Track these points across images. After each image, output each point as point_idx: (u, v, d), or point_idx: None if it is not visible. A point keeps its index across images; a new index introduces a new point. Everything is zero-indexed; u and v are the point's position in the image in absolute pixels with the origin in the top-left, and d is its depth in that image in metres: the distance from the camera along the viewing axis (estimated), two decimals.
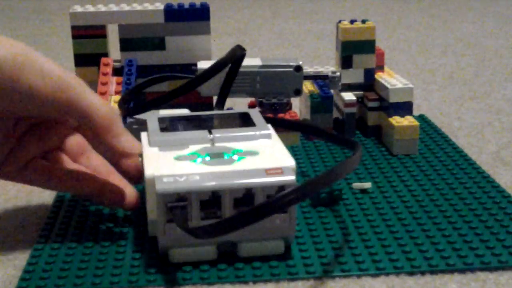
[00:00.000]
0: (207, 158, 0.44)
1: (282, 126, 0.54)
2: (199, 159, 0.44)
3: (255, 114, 0.51)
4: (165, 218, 0.41)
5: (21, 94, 0.40)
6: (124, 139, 0.43)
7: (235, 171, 0.42)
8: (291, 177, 0.42)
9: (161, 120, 0.50)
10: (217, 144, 0.46)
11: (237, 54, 0.55)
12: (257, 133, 0.47)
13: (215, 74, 0.55)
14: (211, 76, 0.55)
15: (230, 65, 0.57)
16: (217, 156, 0.44)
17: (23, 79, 0.40)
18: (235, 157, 0.44)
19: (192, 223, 0.41)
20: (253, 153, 0.45)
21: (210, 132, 0.47)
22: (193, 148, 0.45)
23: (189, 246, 0.42)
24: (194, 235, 0.39)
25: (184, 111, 0.54)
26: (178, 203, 0.41)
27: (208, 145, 0.46)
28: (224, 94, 0.58)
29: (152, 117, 0.50)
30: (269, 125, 0.49)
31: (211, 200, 0.41)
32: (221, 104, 0.58)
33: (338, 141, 0.51)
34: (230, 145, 0.46)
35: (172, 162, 0.43)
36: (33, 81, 0.40)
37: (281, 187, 0.42)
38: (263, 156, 0.44)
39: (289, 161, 0.43)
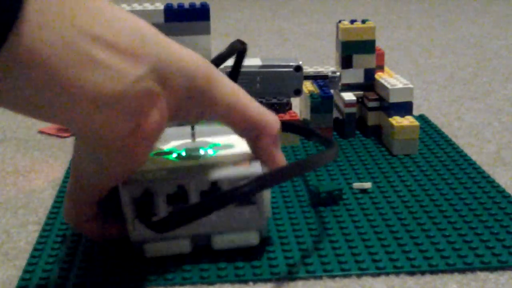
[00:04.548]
0: (183, 153, 0.44)
1: None
2: (175, 155, 0.44)
3: None
4: (132, 213, 0.41)
5: (208, 105, 0.40)
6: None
7: (203, 164, 0.42)
8: (257, 169, 0.42)
9: None
10: (198, 139, 0.46)
11: (238, 48, 0.55)
12: None
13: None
14: None
15: (234, 60, 0.57)
16: (193, 151, 0.44)
17: (213, 90, 0.39)
18: (210, 151, 0.44)
19: (162, 217, 0.41)
20: (228, 146, 0.45)
21: (193, 128, 0.47)
22: (174, 143, 0.46)
23: (163, 240, 0.42)
24: (155, 229, 0.39)
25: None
26: (144, 198, 0.41)
27: (189, 140, 0.46)
28: None
29: None
30: None
31: (179, 194, 0.41)
32: None
33: (315, 138, 0.51)
34: (210, 139, 0.46)
35: (149, 158, 0.43)
36: (219, 93, 0.40)
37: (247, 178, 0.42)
38: (236, 150, 0.44)
39: None
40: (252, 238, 0.43)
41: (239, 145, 0.45)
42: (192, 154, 0.44)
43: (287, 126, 0.54)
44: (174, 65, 0.37)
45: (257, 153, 0.43)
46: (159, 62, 0.37)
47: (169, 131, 0.47)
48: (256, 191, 0.38)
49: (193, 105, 0.39)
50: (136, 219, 0.41)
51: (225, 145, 0.45)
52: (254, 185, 0.38)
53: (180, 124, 0.49)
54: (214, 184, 0.41)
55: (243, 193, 0.37)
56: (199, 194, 0.41)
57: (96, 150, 0.38)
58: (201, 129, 0.47)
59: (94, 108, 0.35)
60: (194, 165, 0.42)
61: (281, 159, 0.43)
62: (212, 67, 0.40)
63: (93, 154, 0.38)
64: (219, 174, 0.41)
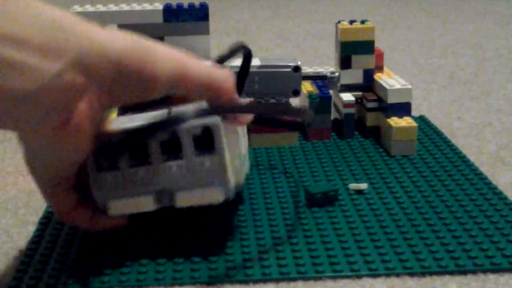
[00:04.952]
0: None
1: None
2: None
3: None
4: (94, 166, 0.42)
5: (147, 83, 0.40)
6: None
7: (162, 116, 0.42)
8: (216, 118, 0.41)
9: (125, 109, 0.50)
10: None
11: (239, 50, 0.55)
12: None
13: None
14: None
15: (241, 64, 0.57)
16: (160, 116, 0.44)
17: (147, 67, 0.39)
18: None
19: (124, 171, 0.42)
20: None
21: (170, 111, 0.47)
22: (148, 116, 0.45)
23: (126, 197, 0.42)
24: (97, 166, 0.39)
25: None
26: (106, 151, 0.41)
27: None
28: (238, 92, 0.58)
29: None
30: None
31: (140, 147, 0.41)
32: None
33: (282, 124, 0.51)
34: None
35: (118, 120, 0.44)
36: (157, 67, 0.40)
37: (205, 127, 0.42)
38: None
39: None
40: (216, 194, 0.42)
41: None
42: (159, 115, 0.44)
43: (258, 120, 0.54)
44: (96, 53, 0.37)
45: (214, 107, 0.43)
46: (80, 53, 0.37)
47: (147, 112, 0.46)
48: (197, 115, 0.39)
49: (131, 86, 0.39)
50: (100, 172, 0.42)
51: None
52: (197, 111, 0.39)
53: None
54: (174, 135, 0.41)
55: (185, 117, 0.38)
56: (159, 146, 0.42)
57: (35, 144, 0.39)
58: (175, 108, 0.47)
59: (13, 107, 0.35)
60: (155, 117, 0.42)
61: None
62: (143, 44, 0.39)
63: (38, 148, 0.39)
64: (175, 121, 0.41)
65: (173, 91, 0.41)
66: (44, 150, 0.39)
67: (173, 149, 0.42)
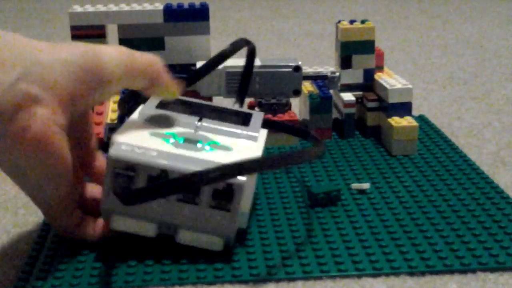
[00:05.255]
0: (180, 141, 0.44)
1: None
2: (172, 140, 0.44)
3: (257, 117, 0.51)
4: (110, 183, 0.42)
5: (104, 80, 0.42)
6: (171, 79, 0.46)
7: (192, 157, 0.42)
8: (241, 178, 0.41)
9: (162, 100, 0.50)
10: (200, 132, 0.46)
11: (242, 46, 0.55)
12: (244, 132, 0.47)
13: (217, 66, 0.54)
14: (211, 69, 0.54)
15: (245, 61, 0.57)
16: (191, 142, 0.44)
17: (100, 66, 0.42)
18: (207, 147, 0.44)
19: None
20: (226, 148, 0.45)
21: (200, 120, 0.47)
22: (176, 130, 0.46)
23: (131, 217, 0.43)
24: (120, 198, 0.39)
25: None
26: (126, 171, 0.41)
27: (192, 131, 0.46)
28: (243, 90, 0.58)
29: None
30: (263, 130, 0.49)
31: (159, 178, 0.41)
32: (240, 101, 0.57)
33: (302, 135, 0.51)
34: (211, 136, 0.46)
35: (144, 135, 0.44)
36: (108, 64, 0.42)
37: (228, 185, 0.42)
38: (234, 154, 0.44)
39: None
40: (216, 244, 0.43)
41: (238, 150, 0.45)
42: (188, 144, 0.44)
43: (277, 126, 0.54)
44: (46, 63, 0.40)
45: (152, 90, 0.45)
46: (30, 65, 0.39)
47: (174, 115, 0.47)
48: (224, 178, 0.38)
49: (91, 87, 0.41)
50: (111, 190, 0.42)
51: (224, 146, 0.45)
52: (223, 171, 0.38)
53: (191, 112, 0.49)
54: None
55: (210, 178, 0.38)
56: None
57: (10, 167, 0.40)
58: (208, 124, 0.47)
59: None
60: (184, 155, 0.42)
61: (174, 85, 0.45)
62: (90, 47, 0.42)
63: (16, 170, 0.41)
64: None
65: (126, 84, 0.43)
66: (23, 170, 0.40)
67: (190, 189, 0.42)
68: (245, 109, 0.54)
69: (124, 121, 0.55)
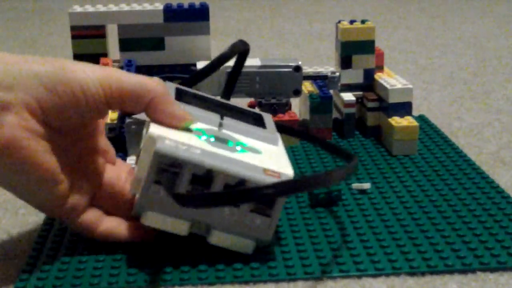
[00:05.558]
0: (212, 139, 0.44)
1: (284, 133, 0.54)
2: (204, 137, 0.44)
3: (268, 118, 0.51)
4: (154, 178, 0.41)
5: (75, 92, 0.41)
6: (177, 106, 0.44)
7: (236, 159, 0.42)
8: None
9: (181, 91, 0.49)
10: (223, 131, 0.46)
11: (241, 48, 0.55)
12: (264, 135, 0.47)
13: (217, 69, 0.54)
14: (212, 71, 0.54)
15: (235, 61, 0.56)
16: (221, 141, 0.44)
17: (68, 77, 0.41)
18: (238, 148, 0.44)
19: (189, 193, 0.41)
20: (256, 151, 0.45)
21: (222, 118, 0.47)
22: (200, 125, 0.45)
23: (165, 214, 0.42)
24: (177, 200, 0.39)
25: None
26: (170, 167, 0.41)
27: (216, 128, 0.46)
28: (229, 88, 0.57)
29: (172, 87, 0.49)
30: (277, 133, 0.49)
31: (203, 177, 0.41)
32: (227, 96, 0.57)
33: (338, 152, 0.51)
34: (236, 136, 0.46)
35: (178, 130, 0.43)
36: (79, 76, 0.41)
37: None
38: (265, 158, 0.44)
39: (289, 170, 0.43)
40: (248, 247, 0.43)
41: (266, 153, 0.45)
42: (220, 143, 0.44)
43: (307, 137, 0.54)
44: (16, 74, 0.40)
45: (154, 118, 0.43)
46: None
47: (197, 111, 0.46)
48: (280, 195, 0.38)
49: (61, 98, 0.41)
50: (155, 184, 0.41)
51: (252, 148, 0.45)
52: (279, 188, 0.38)
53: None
54: (242, 182, 0.41)
55: (272, 193, 0.38)
56: (223, 186, 0.41)
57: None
58: (229, 122, 0.47)
59: None
60: (225, 156, 0.42)
61: (181, 114, 0.44)
62: (61, 65, 0.41)
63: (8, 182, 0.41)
64: (252, 175, 0.41)
65: (117, 106, 0.42)
66: (1, 177, 0.41)
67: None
68: (253, 110, 0.54)
69: (125, 121, 0.55)
